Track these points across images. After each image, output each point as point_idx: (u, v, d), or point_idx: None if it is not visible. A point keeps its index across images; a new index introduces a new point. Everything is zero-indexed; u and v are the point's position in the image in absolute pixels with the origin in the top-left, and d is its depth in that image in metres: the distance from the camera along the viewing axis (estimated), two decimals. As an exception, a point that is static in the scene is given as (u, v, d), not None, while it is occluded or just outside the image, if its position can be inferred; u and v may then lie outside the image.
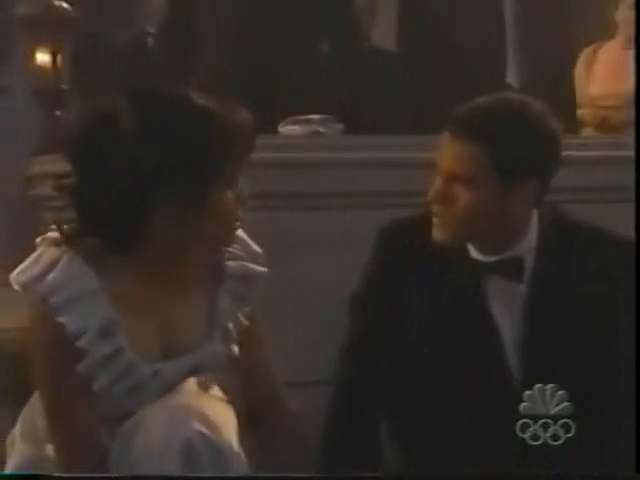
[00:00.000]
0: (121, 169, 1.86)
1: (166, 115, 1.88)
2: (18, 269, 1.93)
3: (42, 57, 4.00)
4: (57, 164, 3.41)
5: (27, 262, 1.94)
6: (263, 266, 2.07)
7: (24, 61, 4.03)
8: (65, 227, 1.92)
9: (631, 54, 4.63)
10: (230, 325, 2.04)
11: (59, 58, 4.00)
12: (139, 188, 1.86)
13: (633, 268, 2.19)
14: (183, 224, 1.90)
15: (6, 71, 4.07)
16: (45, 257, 1.93)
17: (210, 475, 1.88)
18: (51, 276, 1.90)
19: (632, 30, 4.61)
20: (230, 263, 2.04)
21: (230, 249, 2.04)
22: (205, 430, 1.86)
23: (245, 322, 2.06)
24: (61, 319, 1.89)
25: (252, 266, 2.05)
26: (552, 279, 2.24)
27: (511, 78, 3.91)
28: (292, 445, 2.11)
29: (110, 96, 1.94)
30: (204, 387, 1.99)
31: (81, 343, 1.90)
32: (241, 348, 2.07)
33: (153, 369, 1.95)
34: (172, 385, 1.95)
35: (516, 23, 3.97)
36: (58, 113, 4.00)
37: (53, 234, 1.95)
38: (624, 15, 4.64)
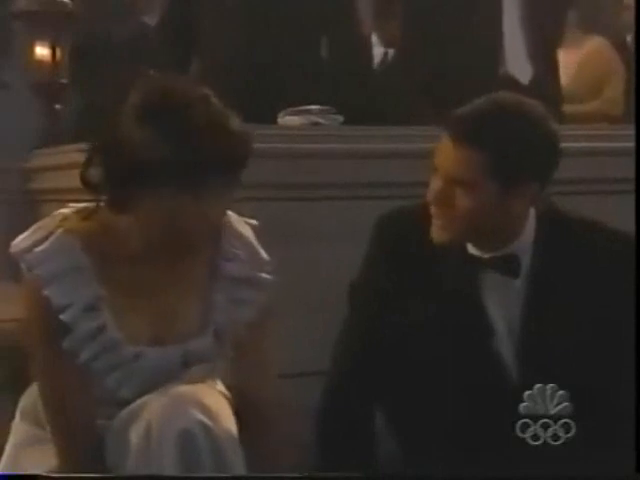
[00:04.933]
0: (128, 149, 1.86)
1: (175, 103, 1.88)
2: (19, 237, 1.96)
3: (41, 51, 4.00)
4: (56, 157, 3.42)
5: (27, 232, 1.97)
6: (268, 274, 2.06)
7: (24, 55, 4.03)
8: (72, 207, 1.96)
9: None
10: (225, 325, 2.03)
11: (58, 52, 4.00)
12: (142, 166, 1.86)
13: (632, 264, 2.19)
14: (178, 206, 1.89)
15: (6, 66, 4.07)
16: (42, 230, 1.96)
17: (210, 475, 1.87)
18: (40, 248, 1.93)
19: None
20: (227, 264, 2.03)
21: (234, 250, 2.04)
22: (205, 419, 1.86)
23: (244, 326, 2.04)
24: (46, 291, 1.91)
25: (254, 272, 2.05)
26: (549, 275, 2.23)
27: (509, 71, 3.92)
28: (282, 446, 2.10)
29: (130, 79, 1.95)
30: (206, 378, 1.99)
31: (65, 317, 1.91)
32: (237, 351, 2.06)
33: (136, 351, 1.96)
34: (158, 371, 1.95)
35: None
36: (58, 107, 4.00)
37: (63, 210, 1.98)
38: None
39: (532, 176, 2.16)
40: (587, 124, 4.05)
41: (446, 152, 2.15)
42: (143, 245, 1.94)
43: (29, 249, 1.93)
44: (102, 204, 1.93)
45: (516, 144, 2.12)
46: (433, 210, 2.19)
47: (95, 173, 1.92)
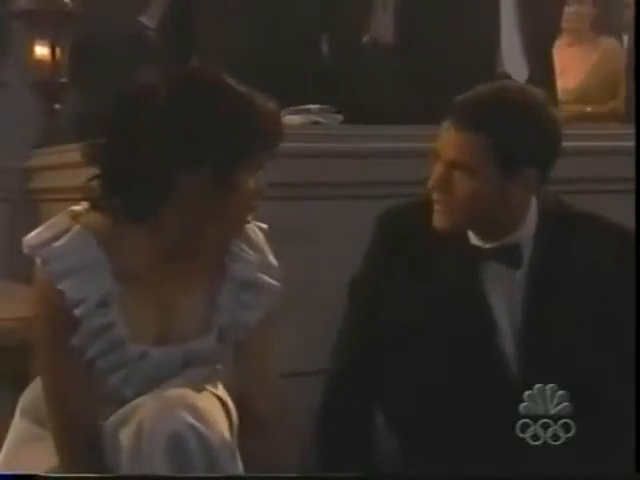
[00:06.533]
0: (148, 142, 1.87)
1: (198, 95, 1.89)
2: (32, 233, 1.96)
3: (41, 51, 4.01)
4: (56, 157, 3.42)
5: (41, 228, 1.97)
6: (275, 279, 2.06)
7: (23, 55, 4.03)
8: (87, 203, 1.96)
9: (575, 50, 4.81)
10: (228, 326, 2.03)
11: (58, 51, 4.00)
12: (163, 162, 1.87)
13: (633, 257, 2.19)
14: (200, 203, 1.90)
15: (5, 65, 4.07)
16: (57, 225, 1.96)
17: (206, 475, 1.87)
18: (57, 243, 1.93)
19: (576, 25, 4.80)
20: (236, 266, 2.04)
21: (245, 254, 2.04)
22: (196, 423, 1.86)
23: (248, 329, 2.05)
24: (61, 287, 1.91)
25: (261, 276, 2.05)
26: (550, 266, 2.23)
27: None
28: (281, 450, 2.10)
29: (147, 73, 1.96)
30: (201, 381, 1.98)
31: (79, 311, 1.92)
32: (238, 354, 2.06)
33: (142, 351, 1.96)
34: (160, 371, 1.96)
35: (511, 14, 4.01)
36: (57, 107, 4.00)
37: (77, 207, 1.98)
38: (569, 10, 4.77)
39: (533, 162, 2.16)
40: (607, 124, 4.06)
41: (448, 138, 2.17)
42: (161, 243, 1.94)
43: (45, 244, 1.93)
44: (118, 206, 1.93)
45: (517, 130, 2.13)
46: (435, 196, 2.20)
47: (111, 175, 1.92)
